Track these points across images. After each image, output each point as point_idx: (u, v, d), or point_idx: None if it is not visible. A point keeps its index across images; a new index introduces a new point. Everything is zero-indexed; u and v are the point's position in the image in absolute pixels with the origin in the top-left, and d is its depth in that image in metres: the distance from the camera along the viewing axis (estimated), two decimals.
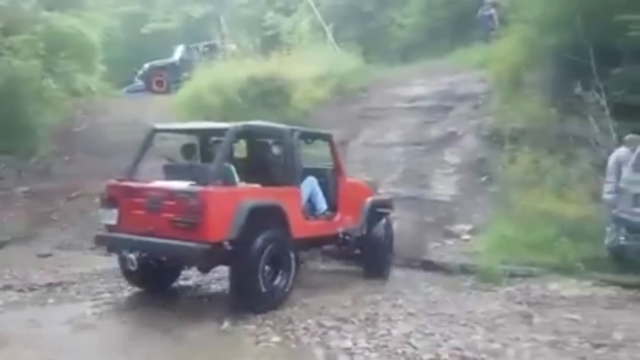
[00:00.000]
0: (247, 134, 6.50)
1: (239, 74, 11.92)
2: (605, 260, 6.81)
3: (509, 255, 7.03)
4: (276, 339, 5.02)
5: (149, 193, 5.66)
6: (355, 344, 4.88)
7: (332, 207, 6.79)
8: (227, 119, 9.97)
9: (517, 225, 7.44)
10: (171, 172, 6.23)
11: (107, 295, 6.28)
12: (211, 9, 21.76)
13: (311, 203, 6.64)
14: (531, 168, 8.37)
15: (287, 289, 5.87)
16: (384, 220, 7.17)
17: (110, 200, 5.86)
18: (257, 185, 5.99)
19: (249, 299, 5.59)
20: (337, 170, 6.94)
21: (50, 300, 6.14)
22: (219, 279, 6.83)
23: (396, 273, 7.28)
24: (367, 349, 4.81)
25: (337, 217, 6.75)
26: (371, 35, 17.04)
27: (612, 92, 8.11)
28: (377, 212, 7.12)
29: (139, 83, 17.42)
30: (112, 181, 6.04)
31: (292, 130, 6.43)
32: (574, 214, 7.28)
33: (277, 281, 5.80)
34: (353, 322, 5.40)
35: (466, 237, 8.01)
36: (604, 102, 8.02)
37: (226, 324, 5.34)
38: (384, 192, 8.02)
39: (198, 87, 11.99)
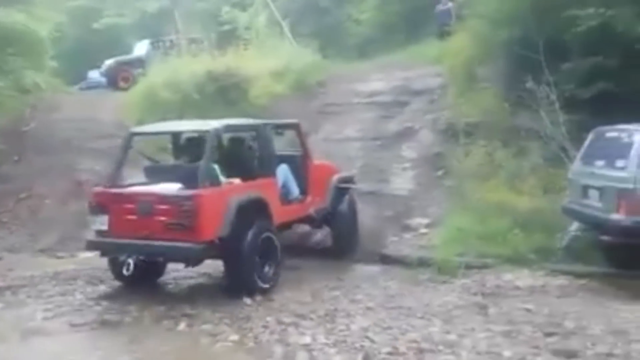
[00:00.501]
0: (226, 132, 6.67)
1: (195, 69, 11.75)
2: (557, 250, 6.98)
3: (465, 248, 7.12)
4: (234, 337, 4.99)
5: (140, 198, 5.84)
6: (314, 340, 4.89)
7: (303, 190, 7.12)
8: (184, 115, 9.86)
9: (472, 218, 7.54)
10: (154, 173, 6.34)
11: (58, 298, 6.11)
12: (166, 4, 21.36)
13: (285, 189, 6.92)
14: (485, 161, 8.50)
15: (276, 274, 6.15)
16: (347, 196, 7.56)
17: (99, 206, 5.98)
18: (237, 180, 6.20)
19: (244, 288, 5.87)
20: (305, 155, 7.28)
21: None
22: (174, 278, 6.74)
23: (355, 267, 7.31)
24: (326, 344, 4.82)
25: (308, 199, 7.11)
26: (328, 30, 17.11)
27: (562, 86, 8.30)
28: (341, 187, 7.51)
29: (97, 79, 16.95)
30: (100, 188, 6.27)
31: (265, 124, 6.75)
32: (526, 206, 7.43)
33: (266, 268, 6.10)
34: (312, 319, 5.40)
35: (423, 230, 8.08)
36: (554, 96, 8.20)
37: (183, 325, 5.28)
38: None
39: (152, 84, 11.75)
